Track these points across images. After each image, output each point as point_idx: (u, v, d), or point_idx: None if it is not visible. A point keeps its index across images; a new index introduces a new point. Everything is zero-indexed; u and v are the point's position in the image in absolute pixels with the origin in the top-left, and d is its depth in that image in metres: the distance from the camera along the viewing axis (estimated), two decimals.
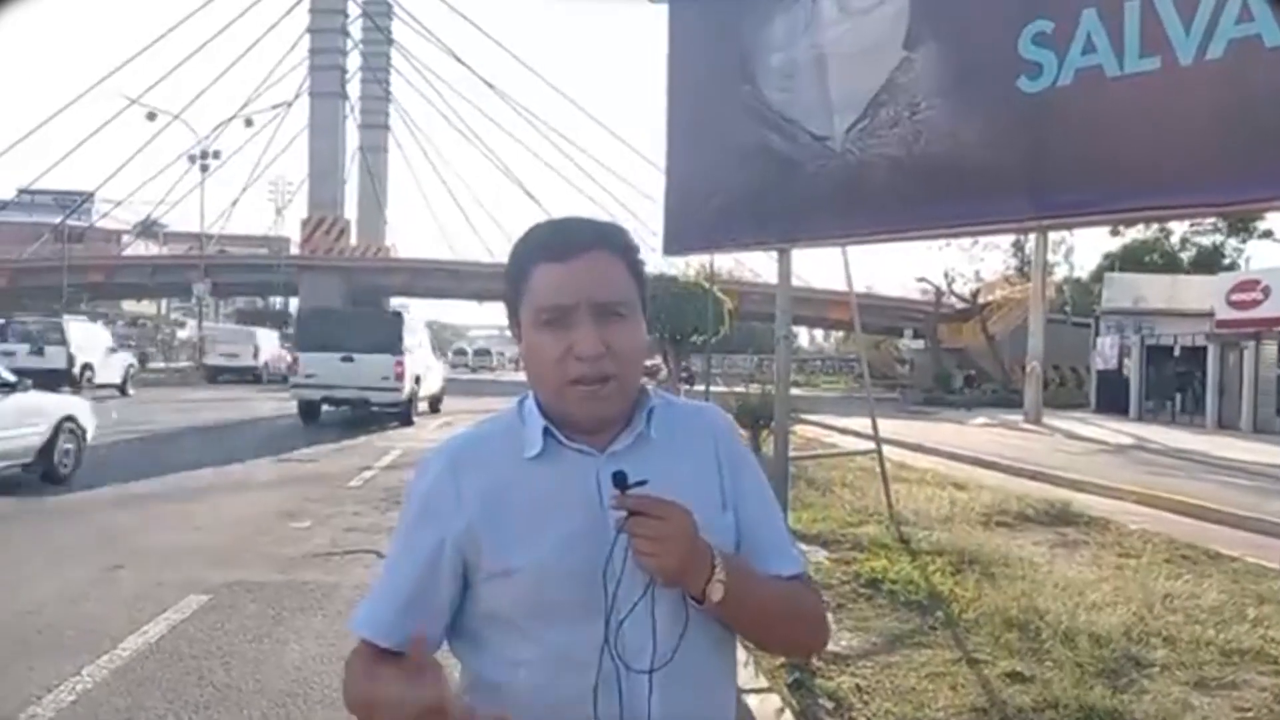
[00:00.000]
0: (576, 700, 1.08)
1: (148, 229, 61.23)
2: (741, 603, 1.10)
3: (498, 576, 1.11)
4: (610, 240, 1.14)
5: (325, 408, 16.35)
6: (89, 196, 56.45)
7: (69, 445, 9.08)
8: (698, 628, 1.12)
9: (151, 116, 49.79)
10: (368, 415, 16.35)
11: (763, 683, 3.65)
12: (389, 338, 16.21)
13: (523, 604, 1.11)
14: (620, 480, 1.06)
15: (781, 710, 3.50)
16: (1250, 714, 3.63)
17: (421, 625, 1.09)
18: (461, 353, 62.76)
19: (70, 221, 51.47)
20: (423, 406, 18.24)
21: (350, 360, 15.61)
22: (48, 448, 8.77)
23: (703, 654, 1.13)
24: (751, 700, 3.53)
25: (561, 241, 1.12)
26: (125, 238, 61.70)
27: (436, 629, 1.15)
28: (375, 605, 1.16)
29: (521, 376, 1.32)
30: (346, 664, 1.18)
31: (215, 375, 31.01)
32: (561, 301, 1.10)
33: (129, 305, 62.26)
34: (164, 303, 65.88)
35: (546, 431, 1.14)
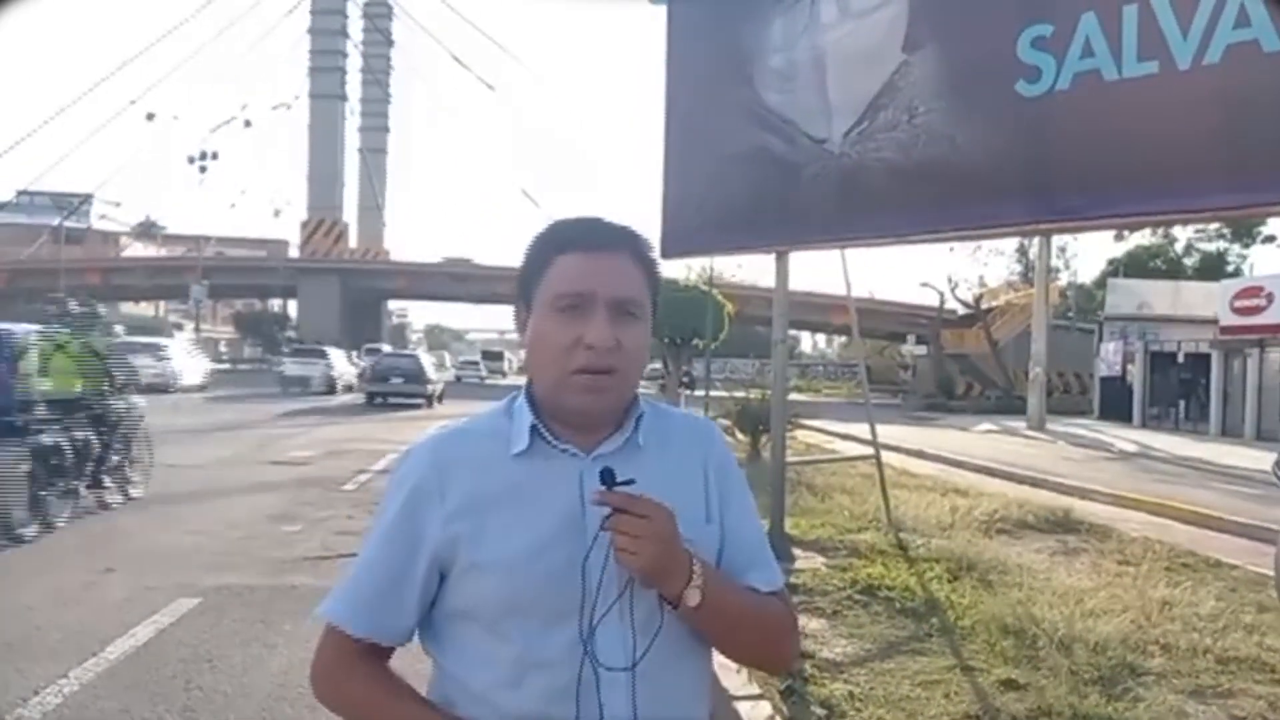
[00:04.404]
0: (545, 700, 1.08)
1: (146, 231, 61.30)
2: (717, 611, 1.10)
3: (472, 572, 1.11)
4: (635, 245, 1.17)
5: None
6: (87, 198, 56.50)
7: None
8: (672, 633, 1.11)
9: (150, 117, 49.92)
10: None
11: (754, 689, 3.61)
12: (497, 356, 57.41)
13: (495, 601, 1.10)
14: (608, 477, 1.06)
15: (772, 717, 3.46)
16: None
17: None
18: (472, 364, 51.16)
19: (69, 223, 51.50)
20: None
21: (489, 361, 53.53)
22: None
23: (675, 660, 1.13)
24: (743, 707, 3.49)
25: (591, 236, 1.15)
26: (123, 240, 61.73)
27: (406, 624, 1.15)
28: (345, 594, 1.15)
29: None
30: (317, 658, 1.17)
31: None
32: (583, 289, 1.11)
33: (126, 308, 62.25)
34: (161, 305, 65.93)
35: (534, 429, 1.13)
